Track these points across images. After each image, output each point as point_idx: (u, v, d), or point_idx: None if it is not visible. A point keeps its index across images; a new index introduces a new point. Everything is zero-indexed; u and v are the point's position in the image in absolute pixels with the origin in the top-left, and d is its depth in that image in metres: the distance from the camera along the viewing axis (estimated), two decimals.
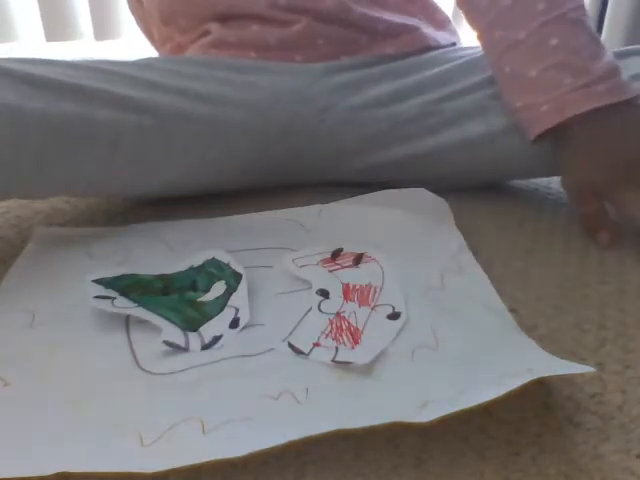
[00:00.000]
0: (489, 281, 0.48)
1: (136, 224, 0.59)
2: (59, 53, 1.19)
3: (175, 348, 0.41)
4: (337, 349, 0.40)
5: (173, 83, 0.59)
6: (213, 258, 0.50)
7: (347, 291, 0.47)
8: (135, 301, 0.45)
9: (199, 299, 0.46)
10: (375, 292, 0.47)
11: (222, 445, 0.33)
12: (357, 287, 0.47)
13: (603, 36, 1.24)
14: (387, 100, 0.64)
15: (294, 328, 0.43)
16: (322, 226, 0.57)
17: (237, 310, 0.44)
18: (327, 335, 0.42)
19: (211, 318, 0.44)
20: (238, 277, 0.47)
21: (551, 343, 0.42)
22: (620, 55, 0.60)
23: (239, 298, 0.45)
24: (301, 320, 0.44)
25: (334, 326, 0.43)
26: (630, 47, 0.62)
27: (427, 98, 0.63)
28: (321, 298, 0.46)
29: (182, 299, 0.46)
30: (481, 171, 0.65)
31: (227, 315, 0.44)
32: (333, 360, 0.39)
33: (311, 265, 0.50)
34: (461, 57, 0.65)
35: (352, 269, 0.50)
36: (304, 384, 0.37)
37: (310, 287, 0.48)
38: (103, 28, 1.19)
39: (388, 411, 0.34)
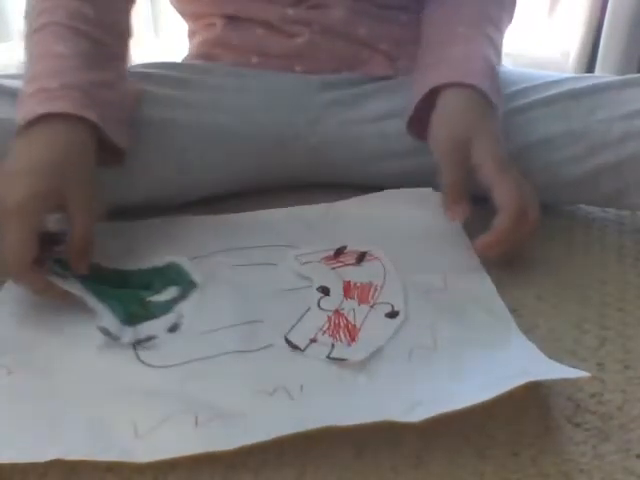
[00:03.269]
0: (492, 283, 0.48)
1: (141, 220, 0.59)
2: None
3: (106, 335, 0.41)
4: (333, 346, 0.41)
5: (164, 92, 0.60)
6: (175, 263, 0.50)
7: (347, 288, 0.47)
8: (87, 287, 0.45)
9: (148, 298, 0.46)
10: (375, 290, 0.47)
11: (213, 438, 0.33)
12: (358, 285, 0.47)
13: (602, 40, 1.23)
14: (377, 117, 0.63)
15: (293, 325, 0.43)
16: (327, 224, 0.57)
17: (181, 316, 0.44)
18: (324, 332, 0.42)
19: (153, 318, 0.44)
20: (193, 286, 0.48)
21: (551, 343, 0.42)
22: (617, 85, 0.58)
23: (188, 306, 0.46)
24: (301, 317, 0.44)
25: (332, 323, 0.43)
26: (628, 77, 0.59)
27: None
28: (321, 295, 0.46)
29: (133, 294, 0.46)
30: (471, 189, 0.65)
31: (169, 319, 0.44)
32: (328, 357, 0.40)
33: (314, 262, 0.51)
34: None
35: (354, 267, 0.50)
36: (299, 381, 0.38)
37: (312, 284, 0.48)
38: None
39: (381, 410, 0.34)
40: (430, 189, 0.59)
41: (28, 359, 0.40)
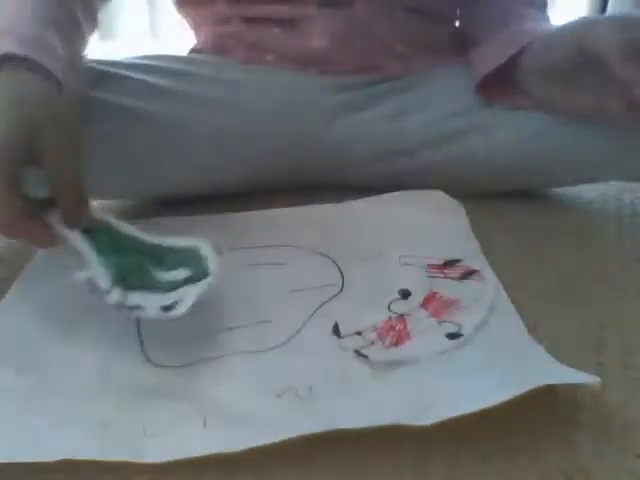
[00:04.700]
0: (500, 285, 0.48)
1: (153, 219, 0.59)
2: None
3: (91, 289, 0.40)
4: (372, 343, 0.41)
5: (182, 88, 0.60)
6: (195, 247, 0.46)
7: (430, 300, 0.46)
8: (94, 245, 0.42)
9: (153, 272, 0.43)
10: (457, 309, 0.45)
11: (221, 439, 0.33)
12: (443, 299, 0.46)
13: None
14: (391, 116, 0.64)
15: (303, 324, 0.43)
16: (337, 225, 0.57)
17: (180, 301, 0.41)
18: (375, 329, 0.42)
19: (149, 290, 0.42)
20: (206, 274, 0.44)
21: (551, 343, 0.42)
22: None
23: (192, 292, 0.42)
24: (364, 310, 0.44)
25: (388, 324, 0.43)
26: None
27: (430, 114, 0.63)
28: (398, 297, 0.46)
29: (139, 264, 0.43)
30: (481, 183, 0.65)
31: (166, 298, 0.41)
32: (356, 350, 0.40)
33: (415, 266, 0.50)
34: (466, 73, 0.65)
35: (454, 281, 0.49)
36: (308, 382, 0.38)
37: (326, 285, 0.48)
38: (102, 29, 1.19)
39: (388, 413, 0.34)
40: (440, 191, 0.60)
41: (37, 359, 0.40)
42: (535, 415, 0.36)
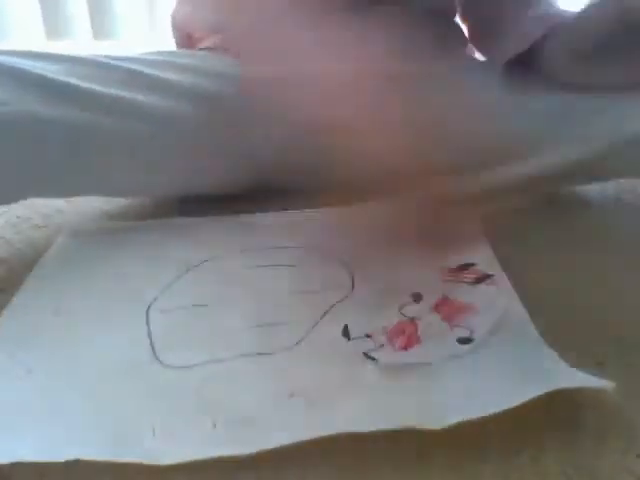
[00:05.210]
0: (512, 288, 0.47)
1: (167, 219, 0.59)
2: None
3: None
4: (382, 346, 0.41)
5: (186, 84, 0.60)
6: None
7: (442, 303, 0.45)
8: None
9: None
10: (469, 314, 0.44)
11: (230, 441, 0.33)
12: (455, 303, 0.45)
13: None
14: None
15: (313, 327, 0.43)
16: (349, 227, 0.57)
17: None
18: (385, 332, 0.42)
19: None
20: None
21: (551, 343, 0.42)
22: None
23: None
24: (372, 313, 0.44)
25: (397, 328, 0.43)
26: None
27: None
28: (409, 300, 0.46)
29: None
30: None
31: None
32: (365, 352, 0.40)
33: (428, 269, 0.49)
34: (471, 69, 0.66)
35: (468, 285, 0.48)
36: (318, 384, 0.37)
37: (336, 287, 0.48)
38: (102, 28, 1.19)
39: (401, 415, 0.34)
40: None
41: (48, 358, 0.40)
42: (535, 415, 0.36)
